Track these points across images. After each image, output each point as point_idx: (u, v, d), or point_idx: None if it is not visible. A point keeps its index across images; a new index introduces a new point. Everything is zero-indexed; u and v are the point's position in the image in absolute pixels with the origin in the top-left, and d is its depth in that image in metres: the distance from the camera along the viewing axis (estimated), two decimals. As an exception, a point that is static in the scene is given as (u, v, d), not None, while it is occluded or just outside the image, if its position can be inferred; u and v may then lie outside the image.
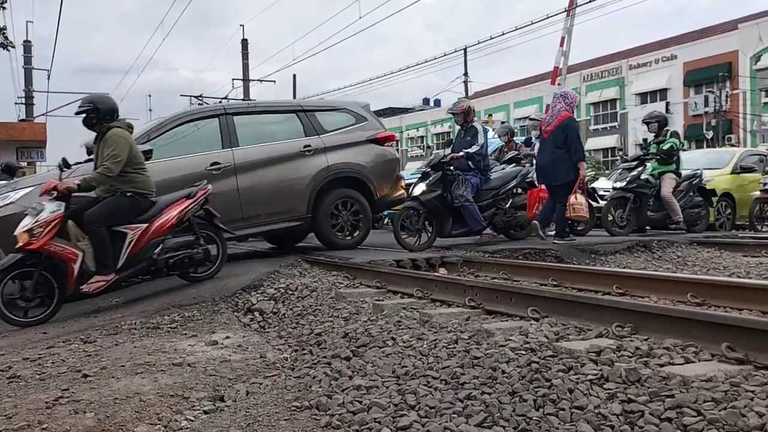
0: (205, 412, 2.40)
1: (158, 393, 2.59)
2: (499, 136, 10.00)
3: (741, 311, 3.48)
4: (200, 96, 27.35)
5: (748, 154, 11.24)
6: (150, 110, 38.68)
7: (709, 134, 30.99)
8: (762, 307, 3.51)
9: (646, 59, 35.62)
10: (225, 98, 26.30)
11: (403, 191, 7.32)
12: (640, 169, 8.24)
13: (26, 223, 4.43)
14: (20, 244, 4.39)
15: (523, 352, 2.60)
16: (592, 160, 28.15)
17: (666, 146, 8.29)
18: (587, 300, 3.34)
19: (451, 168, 6.88)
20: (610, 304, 3.15)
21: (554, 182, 6.96)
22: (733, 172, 10.27)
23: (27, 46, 23.46)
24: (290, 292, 4.55)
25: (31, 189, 5.30)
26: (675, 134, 8.72)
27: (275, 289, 4.63)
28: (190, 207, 4.99)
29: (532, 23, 27.71)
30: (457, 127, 7.54)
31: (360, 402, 2.30)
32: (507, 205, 7.29)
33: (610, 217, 8.07)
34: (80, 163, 5.86)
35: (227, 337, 3.60)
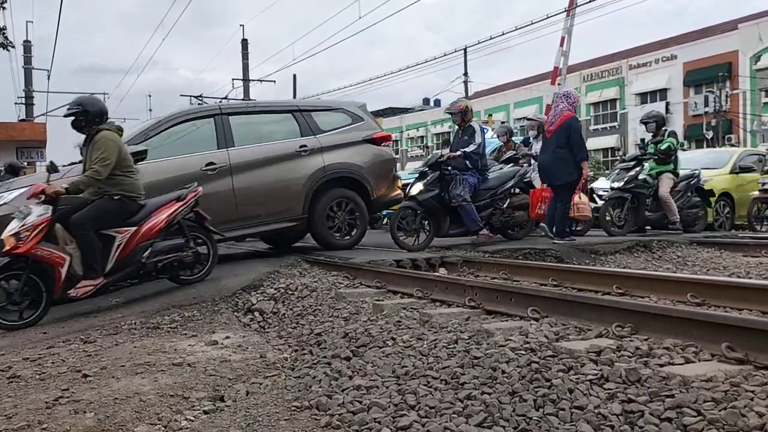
0: (205, 412, 2.40)
1: (158, 393, 2.59)
2: (498, 136, 10.00)
3: (741, 311, 3.48)
4: (200, 96, 27.37)
5: (746, 154, 11.24)
6: (150, 110, 38.63)
7: (709, 134, 30.99)
8: (762, 307, 3.51)
9: (646, 59, 35.63)
10: (225, 98, 26.30)
11: (399, 191, 7.30)
12: (637, 169, 8.23)
13: (13, 226, 4.38)
14: (7, 247, 4.33)
15: (523, 352, 2.60)
16: (592, 160, 28.14)
17: (664, 146, 8.27)
18: (587, 300, 3.34)
19: (449, 168, 6.88)
20: (610, 304, 3.15)
21: (556, 182, 6.98)
22: (731, 172, 10.27)
23: (27, 46, 23.49)
24: (290, 292, 4.55)
25: (24, 190, 5.25)
26: (673, 134, 8.69)
27: (275, 289, 4.63)
28: (180, 210, 4.93)
29: (532, 23, 27.78)
30: (457, 128, 7.53)
31: (360, 402, 2.30)
32: (504, 205, 7.26)
33: (608, 217, 8.06)
34: (75, 163, 5.84)
35: (227, 337, 3.60)
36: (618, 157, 12.49)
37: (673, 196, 8.31)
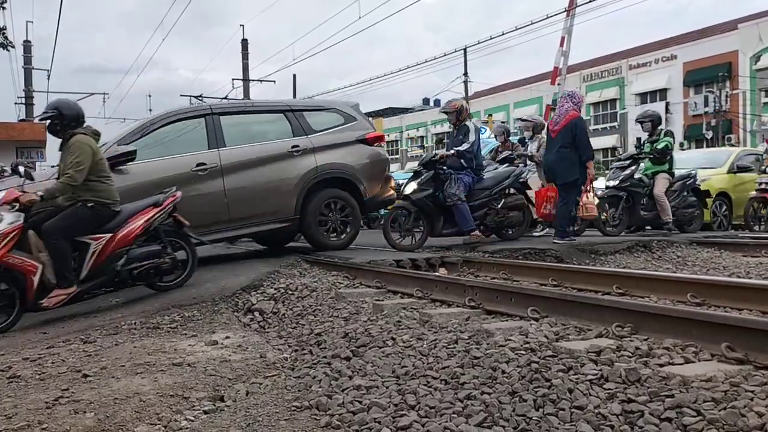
0: (205, 412, 2.40)
1: (158, 393, 2.59)
2: (496, 136, 9.99)
3: (741, 311, 3.48)
4: (200, 96, 27.37)
5: (744, 154, 11.24)
6: (150, 110, 38.64)
7: (709, 134, 31.00)
8: (762, 307, 3.51)
9: (646, 59, 35.64)
10: (225, 98, 26.30)
11: (393, 191, 7.26)
12: (633, 168, 8.23)
13: None
14: None
15: (523, 352, 2.60)
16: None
17: (660, 145, 8.25)
18: (587, 300, 3.34)
19: (444, 167, 6.86)
20: (610, 304, 3.15)
21: (559, 181, 6.99)
22: (729, 172, 10.28)
23: (27, 46, 23.50)
24: (290, 292, 4.55)
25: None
26: (669, 133, 8.66)
27: (275, 289, 4.63)
28: (157, 216, 4.83)
29: (532, 23, 27.78)
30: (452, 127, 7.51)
31: (360, 402, 2.30)
32: (499, 206, 7.23)
33: (603, 216, 8.04)
34: (54, 166, 5.78)
35: (227, 337, 3.60)
36: (617, 156, 12.49)
37: (668, 195, 8.29)
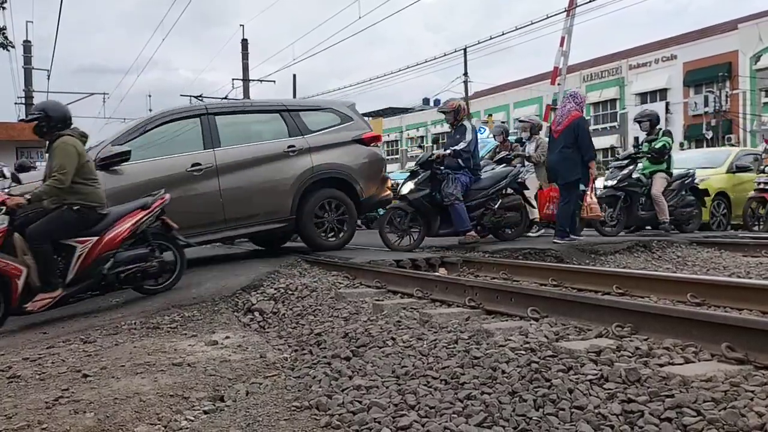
0: (205, 412, 2.40)
1: (158, 393, 2.59)
2: (494, 136, 9.99)
3: (741, 311, 3.48)
4: (200, 96, 27.38)
5: (743, 154, 11.26)
6: (150, 110, 38.68)
7: (709, 134, 31.01)
8: (762, 307, 3.51)
9: (646, 59, 35.64)
10: (225, 98, 26.31)
11: (389, 192, 7.24)
12: (631, 167, 8.22)
13: None
14: None
15: (523, 352, 2.60)
16: (593, 160, 28.13)
17: (658, 145, 8.24)
18: (587, 300, 3.34)
19: (441, 167, 6.85)
20: (610, 304, 3.15)
21: (560, 181, 7.01)
22: (728, 172, 10.29)
23: (27, 46, 23.53)
24: (290, 292, 4.55)
25: None
26: (667, 133, 8.65)
27: (275, 289, 4.63)
28: (144, 219, 4.77)
29: (532, 23, 27.72)
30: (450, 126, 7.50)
31: (360, 402, 2.30)
32: (496, 206, 7.20)
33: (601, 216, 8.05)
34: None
35: (227, 337, 3.60)
36: (615, 157, 12.49)
37: (667, 195, 8.28)
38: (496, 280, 5.10)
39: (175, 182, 5.67)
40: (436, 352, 2.78)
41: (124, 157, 5.51)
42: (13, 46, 18.21)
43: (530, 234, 8.27)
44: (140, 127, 6.00)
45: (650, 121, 8.49)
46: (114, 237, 4.63)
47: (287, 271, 5.22)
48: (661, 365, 2.36)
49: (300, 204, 6.40)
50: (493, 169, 7.88)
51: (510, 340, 2.83)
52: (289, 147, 6.47)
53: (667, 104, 33.76)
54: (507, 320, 3.49)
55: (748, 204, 9.55)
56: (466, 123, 7.24)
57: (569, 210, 6.97)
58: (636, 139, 8.91)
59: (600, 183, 10.16)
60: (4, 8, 16.99)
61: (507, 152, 8.74)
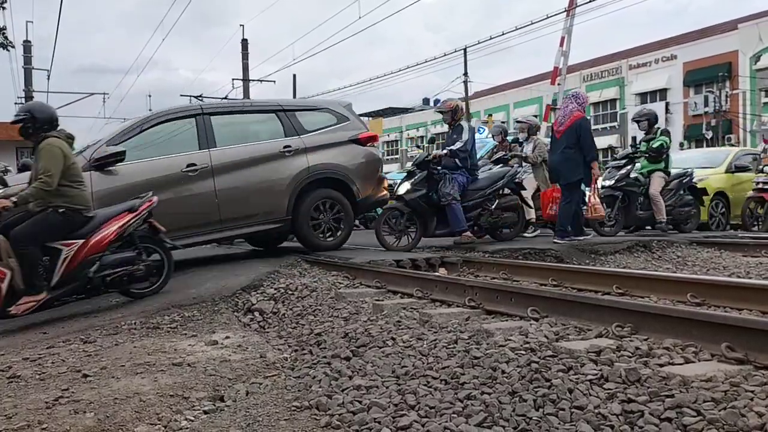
0: (205, 412, 2.40)
1: (158, 393, 2.59)
2: (493, 136, 9.99)
3: (741, 311, 3.48)
4: (200, 96, 27.39)
5: (742, 154, 11.27)
6: (150, 110, 38.66)
7: (709, 134, 30.99)
8: (762, 307, 3.52)
9: (646, 59, 35.63)
10: (225, 98, 26.32)
11: (386, 192, 7.22)
12: (629, 167, 8.22)
13: None
14: None
15: (523, 352, 2.60)
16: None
17: (656, 144, 8.23)
18: (587, 300, 3.35)
19: (438, 167, 6.84)
20: (610, 304, 3.15)
21: (562, 181, 7.01)
22: (727, 171, 10.29)
23: (27, 46, 23.51)
24: (290, 292, 4.55)
25: None
26: (665, 132, 8.63)
27: (275, 289, 4.63)
28: (131, 222, 4.72)
29: (532, 23, 27.61)
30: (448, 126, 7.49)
31: (360, 402, 2.30)
32: (493, 206, 7.18)
33: None
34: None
35: (227, 337, 3.60)
36: (613, 157, 12.49)
37: (665, 194, 8.27)
38: (496, 280, 5.10)
39: (170, 183, 5.65)
40: (436, 352, 2.78)
41: (119, 157, 5.49)
42: (13, 46, 18.21)
43: (526, 234, 8.26)
44: (135, 128, 5.96)
45: (648, 121, 8.48)
46: (100, 240, 4.58)
47: (287, 271, 5.22)
48: (661, 365, 2.36)
49: (296, 204, 6.37)
50: (490, 169, 7.87)
51: (510, 340, 2.83)
52: (285, 147, 6.44)
53: (667, 104, 33.75)
54: (507, 320, 3.49)
55: (746, 204, 9.55)
56: (463, 123, 7.24)
57: (570, 210, 6.97)
58: (634, 138, 8.88)
59: (598, 183, 10.14)
60: (4, 8, 16.99)
61: (504, 152, 8.73)
